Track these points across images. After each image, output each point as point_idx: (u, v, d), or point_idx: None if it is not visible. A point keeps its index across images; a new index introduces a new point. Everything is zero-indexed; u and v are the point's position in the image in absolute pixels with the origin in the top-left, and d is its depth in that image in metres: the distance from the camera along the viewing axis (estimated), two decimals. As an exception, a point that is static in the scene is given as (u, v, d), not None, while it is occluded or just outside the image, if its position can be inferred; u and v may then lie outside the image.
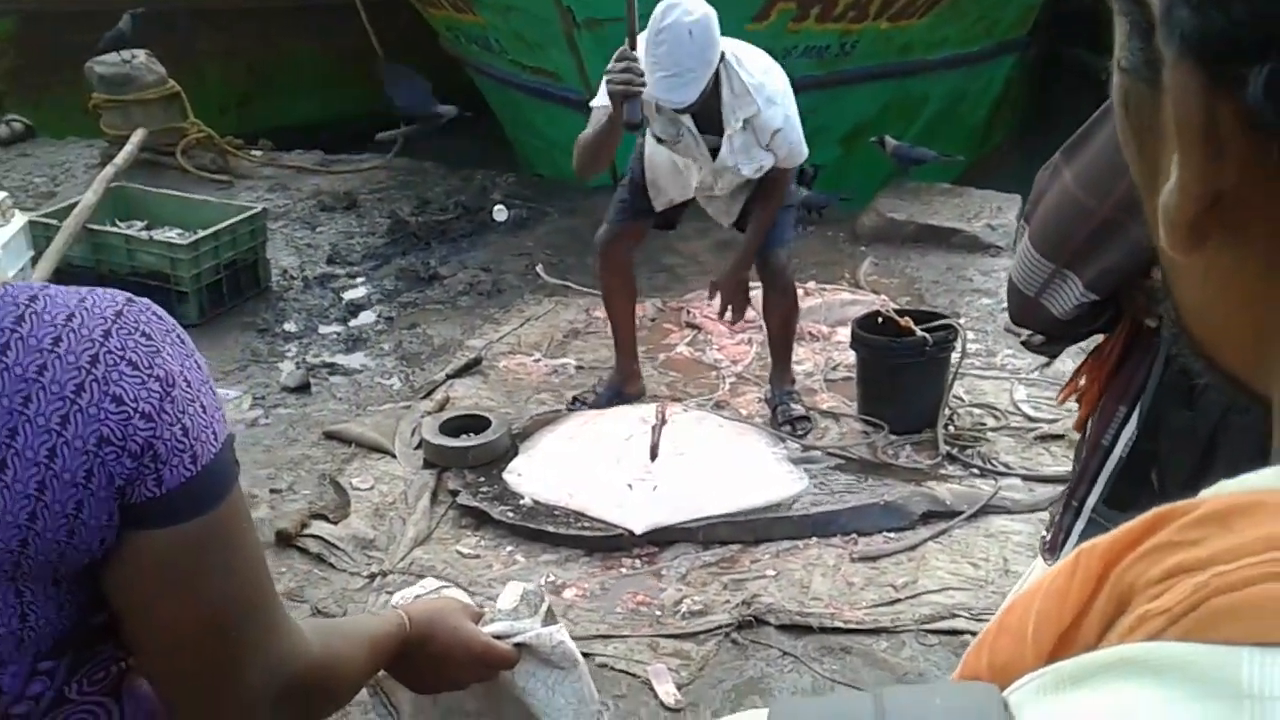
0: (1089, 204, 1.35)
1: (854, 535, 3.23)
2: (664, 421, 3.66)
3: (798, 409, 3.75)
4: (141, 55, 5.84)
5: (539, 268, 5.08)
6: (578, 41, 5.34)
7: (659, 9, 3.17)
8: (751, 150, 3.40)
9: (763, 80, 3.33)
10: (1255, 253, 0.41)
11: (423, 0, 6.34)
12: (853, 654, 2.75)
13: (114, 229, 4.57)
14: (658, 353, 4.31)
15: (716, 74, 3.25)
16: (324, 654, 0.91)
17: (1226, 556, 0.35)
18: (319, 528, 3.25)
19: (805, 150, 3.46)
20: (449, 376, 4.11)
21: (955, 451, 3.56)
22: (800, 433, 3.68)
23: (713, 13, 3.18)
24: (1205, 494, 0.40)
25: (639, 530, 3.20)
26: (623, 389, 3.93)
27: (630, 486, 3.40)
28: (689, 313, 4.58)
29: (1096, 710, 0.37)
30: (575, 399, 3.94)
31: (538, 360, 4.28)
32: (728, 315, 3.79)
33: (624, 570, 3.14)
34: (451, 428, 3.63)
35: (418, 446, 3.64)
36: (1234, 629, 0.34)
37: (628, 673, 2.75)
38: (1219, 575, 0.35)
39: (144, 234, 4.58)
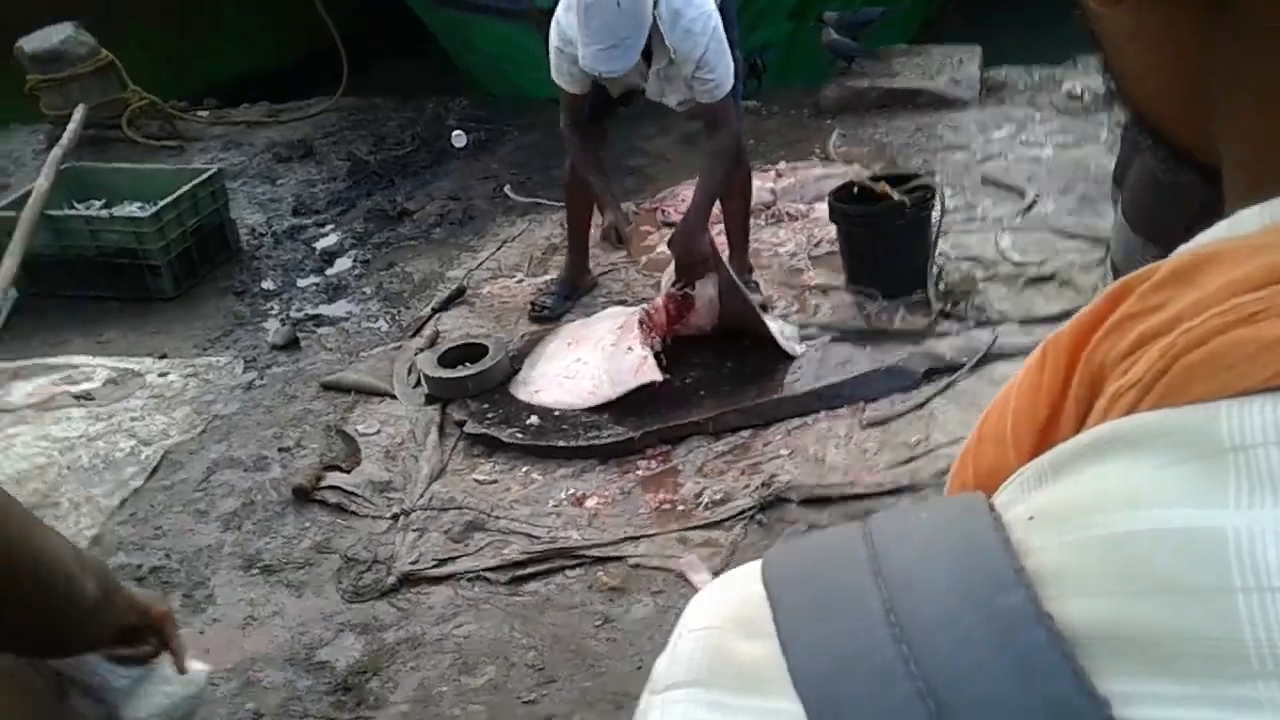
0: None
1: (861, 403, 3.25)
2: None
3: (757, 297, 3.73)
4: (69, 27, 5.64)
5: (507, 189, 5.01)
6: None
7: None
8: (676, 84, 3.39)
9: (682, 8, 3.22)
10: (1185, 14, 0.38)
11: None
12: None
13: (73, 212, 4.47)
14: (637, 254, 4.28)
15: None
16: None
17: (1191, 312, 0.35)
18: (334, 478, 3.26)
19: (729, 82, 3.36)
20: (435, 310, 4.09)
21: (949, 308, 3.57)
22: None
23: None
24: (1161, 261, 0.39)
25: (661, 378, 3.27)
26: (575, 283, 3.99)
27: (630, 349, 3.43)
28: (663, 212, 4.54)
29: (1080, 495, 0.36)
30: (533, 305, 3.95)
31: (521, 281, 4.26)
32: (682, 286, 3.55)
33: (640, 472, 3.16)
34: (450, 359, 3.62)
35: (417, 384, 3.64)
36: (1207, 386, 0.34)
37: (662, 569, 2.79)
38: (1185, 333, 0.35)
39: (104, 213, 4.48)
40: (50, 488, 3.31)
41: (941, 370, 3.30)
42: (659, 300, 3.59)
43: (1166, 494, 0.34)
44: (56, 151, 4.17)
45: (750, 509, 2.90)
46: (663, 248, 4.33)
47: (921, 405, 3.18)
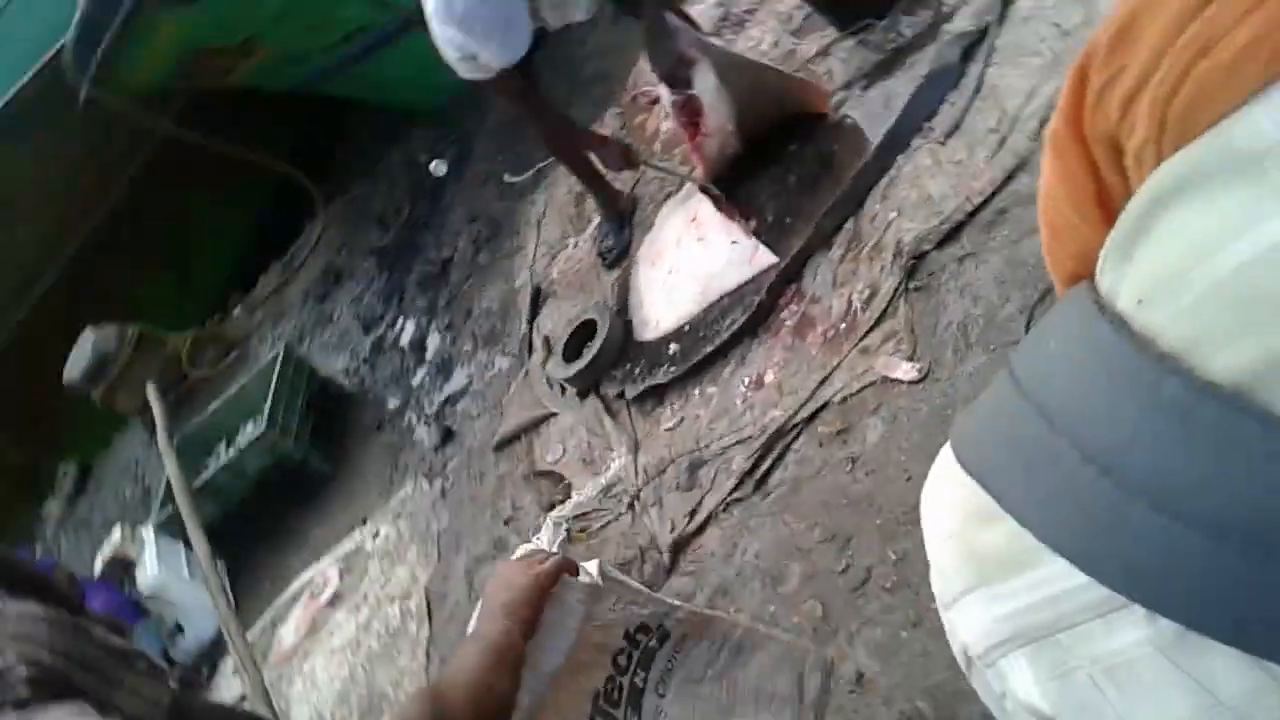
0: None
1: (925, 125, 3.15)
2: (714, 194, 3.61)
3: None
4: (88, 334, 5.90)
5: (506, 177, 5.01)
6: None
7: None
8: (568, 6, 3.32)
9: None
10: None
11: (212, 74, 6.03)
12: (1007, 211, 2.73)
13: (210, 470, 4.73)
14: (651, 145, 4.23)
15: None
16: None
17: (1151, 62, 0.35)
18: (561, 512, 3.39)
19: None
20: (530, 322, 4.15)
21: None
22: None
23: None
24: None
25: (781, 259, 3.23)
26: (618, 212, 3.95)
27: (735, 243, 3.41)
28: (644, 93, 4.45)
29: (1168, 257, 0.36)
30: (601, 256, 3.96)
31: (575, 244, 4.27)
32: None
33: (789, 322, 3.16)
34: (572, 351, 3.68)
35: (562, 391, 3.72)
36: (1206, 115, 0.34)
37: (864, 386, 2.80)
38: (1159, 85, 0.35)
39: (232, 452, 4.72)
40: (369, 688, 3.56)
41: (976, 41, 3.16)
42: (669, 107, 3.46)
43: (1235, 221, 0.34)
44: (161, 437, 4.41)
45: (900, 284, 2.87)
46: (666, 124, 4.26)
47: (979, 89, 3.05)
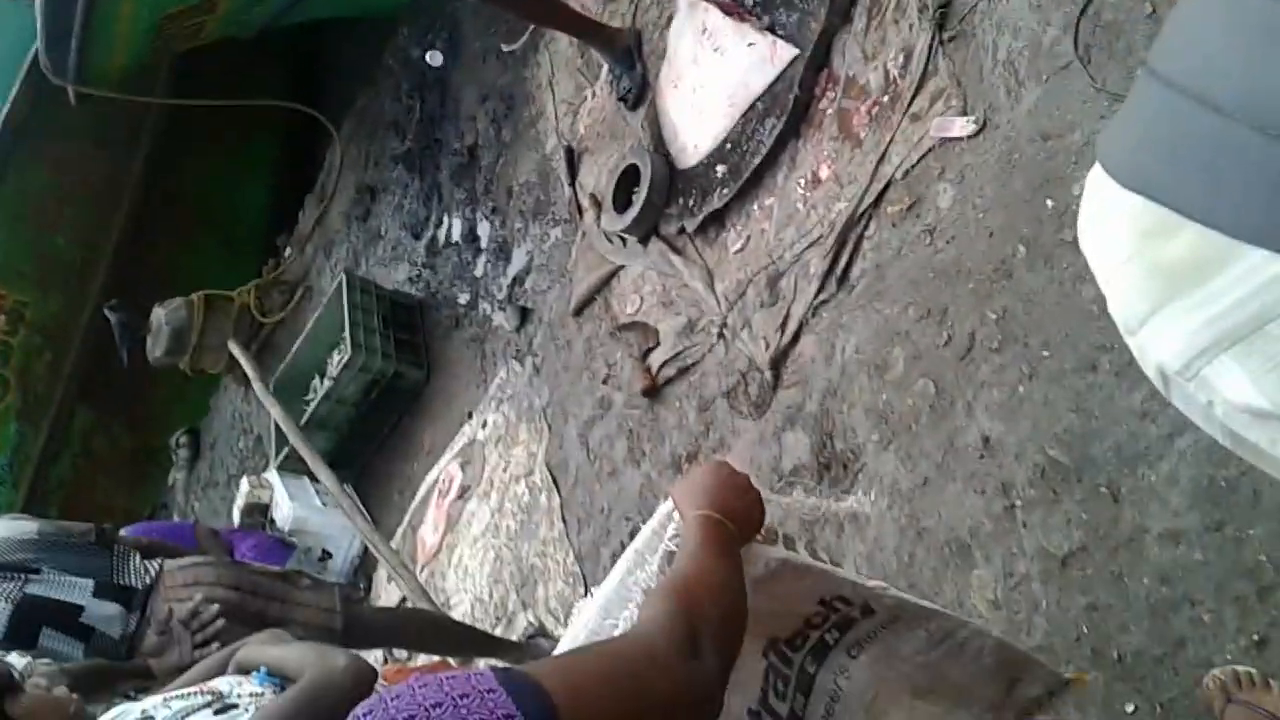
0: None
1: None
2: None
3: None
4: (159, 314, 6.00)
5: (503, 48, 4.86)
6: None
7: None
8: None
9: None
10: None
11: (185, 36, 5.90)
12: None
13: (312, 400, 4.87)
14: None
15: None
16: None
17: None
18: (656, 359, 3.42)
19: None
20: (571, 185, 4.10)
21: None
22: None
23: None
24: None
25: (803, 48, 3.12)
26: (622, 49, 3.83)
27: (752, 45, 3.30)
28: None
29: None
30: (621, 100, 3.86)
31: (594, 94, 4.17)
32: None
33: (829, 110, 3.06)
34: (621, 201, 3.64)
35: (624, 242, 3.69)
36: None
37: (924, 155, 2.71)
38: None
39: (328, 383, 4.82)
40: (517, 564, 3.71)
41: None
42: None
43: None
44: (257, 386, 4.53)
45: (932, 40, 2.75)
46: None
47: None
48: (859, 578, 1.37)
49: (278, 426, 4.68)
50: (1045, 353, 2.28)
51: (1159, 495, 2.02)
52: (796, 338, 2.95)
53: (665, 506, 1.22)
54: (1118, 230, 0.66)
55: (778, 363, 2.97)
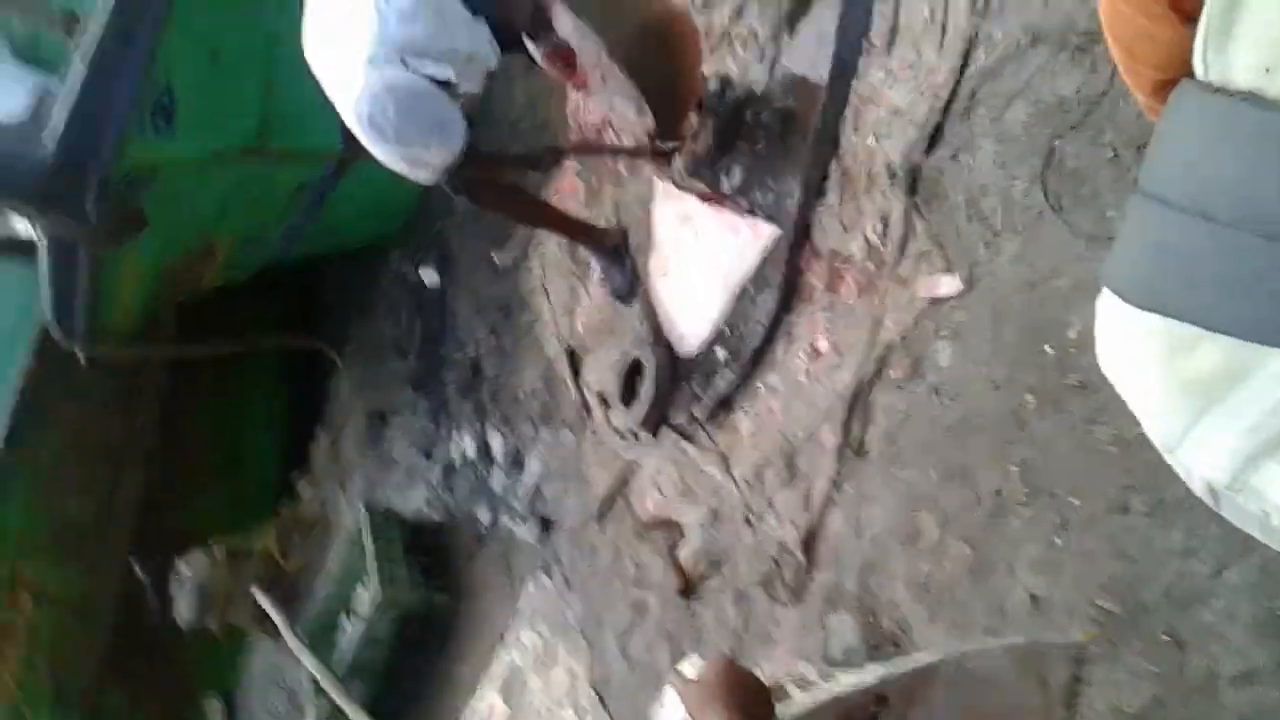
0: None
1: (863, 45, 3.08)
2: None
3: None
4: (179, 566, 5.88)
5: (494, 256, 4.97)
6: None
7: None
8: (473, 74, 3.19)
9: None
10: None
11: (188, 285, 6.07)
12: (977, 92, 2.66)
13: (352, 648, 4.74)
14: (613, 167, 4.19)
15: None
16: None
17: None
18: (685, 554, 3.34)
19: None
20: (575, 384, 4.12)
21: None
22: None
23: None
24: None
25: (783, 226, 3.19)
26: (609, 247, 3.92)
27: (736, 231, 3.40)
28: (584, 122, 4.37)
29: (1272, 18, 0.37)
30: (613, 295, 3.93)
31: (589, 292, 4.24)
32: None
33: (815, 282, 3.10)
34: (628, 394, 3.64)
35: (636, 438, 3.67)
36: None
37: (917, 317, 2.72)
38: None
39: (358, 621, 4.69)
40: None
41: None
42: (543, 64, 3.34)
43: None
44: (288, 637, 4.44)
45: (906, 205, 2.81)
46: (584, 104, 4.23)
47: (893, -13, 2.99)
48: (857, 677, 1.40)
49: (313, 677, 4.55)
50: (1073, 500, 2.22)
51: (1221, 635, 1.93)
52: (823, 515, 2.89)
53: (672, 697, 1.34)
54: (1140, 351, 0.65)
55: (809, 544, 2.90)
